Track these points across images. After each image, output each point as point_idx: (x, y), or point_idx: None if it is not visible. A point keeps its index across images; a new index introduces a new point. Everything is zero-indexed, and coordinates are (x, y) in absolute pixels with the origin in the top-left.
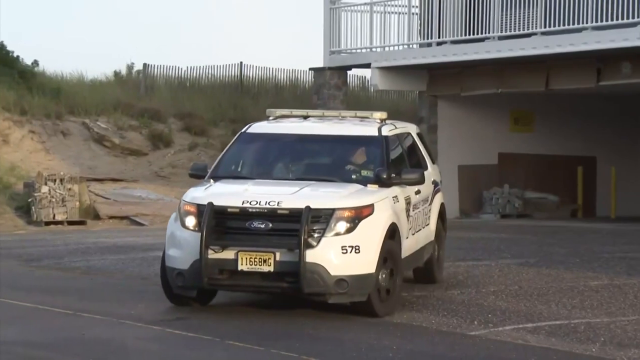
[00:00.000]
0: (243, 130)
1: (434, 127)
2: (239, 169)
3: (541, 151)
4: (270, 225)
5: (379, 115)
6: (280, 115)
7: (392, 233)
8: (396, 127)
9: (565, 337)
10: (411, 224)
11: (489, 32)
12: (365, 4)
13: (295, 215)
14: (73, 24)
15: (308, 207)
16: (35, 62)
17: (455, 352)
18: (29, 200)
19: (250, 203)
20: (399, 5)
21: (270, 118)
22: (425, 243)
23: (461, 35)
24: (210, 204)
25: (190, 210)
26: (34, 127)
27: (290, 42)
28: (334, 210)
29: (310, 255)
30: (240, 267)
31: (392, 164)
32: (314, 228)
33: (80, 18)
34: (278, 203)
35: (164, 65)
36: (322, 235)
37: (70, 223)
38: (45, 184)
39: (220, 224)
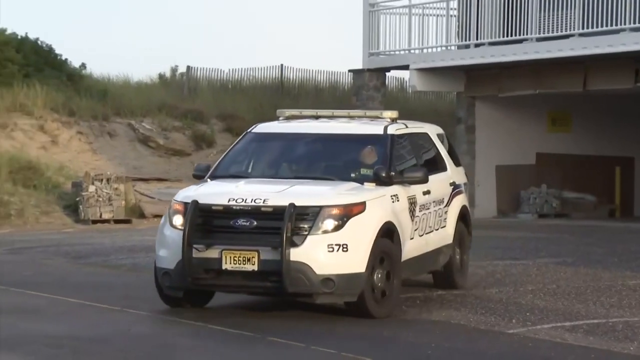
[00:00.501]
0: (248, 130)
1: (472, 128)
2: (238, 169)
3: (578, 151)
4: (255, 223)
5: (390, 114)
6: (290, 116)
7: (389, 232)
8: (407, 127)
9: (603, 336)
10: (418, 224)
11: (526, 34)
12: (404, 6)
13: (279, 213)
14: (120, 28)
15: (292, 205)
16: (83, 65)
17: (494, 349)
18: (77, 199)
19: (236, 201)
20: (438, 8)
21: (281, 118)
22: (440, 245)
23: (499, 37)
24: (195, 202)
25: (178, 209)
26: (82, 128)
27: (330, 45)
28: (320, 207)
29: (295, 254)
30: (224, 266)
31: (397, 163)
32: (300, 226)
33: (127, 22)
34: (264, 201)
35: (206, 68)
36: (308, 234)
37: (116, 221)
38: (93, 183)
39: (207, 223)
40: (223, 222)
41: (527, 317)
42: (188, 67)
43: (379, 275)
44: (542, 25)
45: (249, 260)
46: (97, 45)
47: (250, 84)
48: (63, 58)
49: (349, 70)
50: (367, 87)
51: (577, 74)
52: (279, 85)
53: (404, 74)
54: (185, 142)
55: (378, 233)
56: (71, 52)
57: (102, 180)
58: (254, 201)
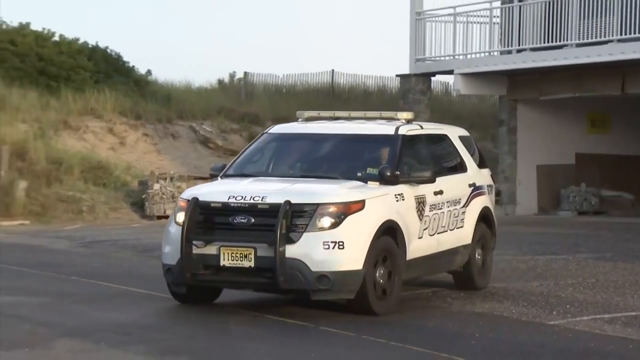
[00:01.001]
0: (265, 131)
1: (514, 130)
2: (250, 168)
3: (617, 152)
4: (252, 220)
5: (405, 115)
6: (309, 117)
7: (390, 231)
8: (422, 128)
9: None
10: (427, 224)
11: (567, 40)
12: (449, 14)
13: (274, 210)
14: (183, 37)
15: (287, 202)
16: (149, 72)
17: (535, 340)
18: (143, 196)
19: (235, 198)
20: (481, 16)
21: (300, 119)
22: (456, 246)
23: (540, 43)
24: (195, 199)
25: (182, 206)
26: (147, 130)
27: (378, 51)
28: (317, 205)
29: (291, 251)
30: (222, 263)
31: (406, 163)
32: (297, 223)
33: (189, 32)
34: (262, 198)
35: (262, 74)
36: (305, 231)
37: None
38: (157, 182)
39: (207, 220)
40: (222, 220)
41: (567, 310)
42: (245, 73)
43: (381, 272)
44: (581, 32)
45: (245, 256)
46: (162, 53)
47: (303, 88)
48: (130, 65)
49: (397, 75)
50: (414, 91)
51: (615, 77)
52: (330, 90)
53: (449, 79)
54: (243, 143)
55: (378, 231)
56: (138, 59)
57: (165, 178)
58: (252, 199)
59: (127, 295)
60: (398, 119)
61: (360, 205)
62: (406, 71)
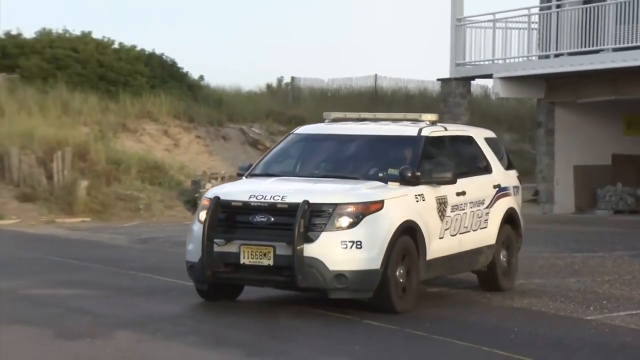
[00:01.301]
0: (292, 132)
1: (552, 131)
2: (275, 167)
3: None
4: (272, 219)
5: (429, 117)
6: (335, 118)
7: (410, 230)
8: (446, 130)
9: None
10: (449, 224)
11: (603, 45)
12: (488, 20)
13: (293, 209)
14: (233, 44)
15: (306, 202)
16: (201, 77)
17: (573, 334)
18: (196, 195)
19: (256, 198)
20: (520, 21)
21: (327, 120)
22: (480, 246)
23: (577, 48)
24: (216, 197)
25: (204, 205)
26: (200, 132)
27: (419, 56)
28: (335, 205)
29: (309, 250)
30: (242, 261)
31: (429, 164)
32: (316, 223)
33: (239, 39)
34: (282, 198)
35: (308, 78)
36: (323, 230)
37: None
38: (209, 181)
39: (229, 218)
40: (242, 218)
41: (604, 305)
42: (292, 77)
43: (401, 272)
44: (618, 37)
45: (265, 255)
46: (214, 59)
47: (347, 92)
48: (184, 71)
49: (437, 79)
50: (454, 94)
51: None
52: (374, 93)
53: (488, 82)
54: None
55: (396, 231)
56: (191, 65)
57: (217, 178)
58: (272, 198)
59: (181, 289)
60: (422, 121)
61: (379, 205)
62: (447, 75)
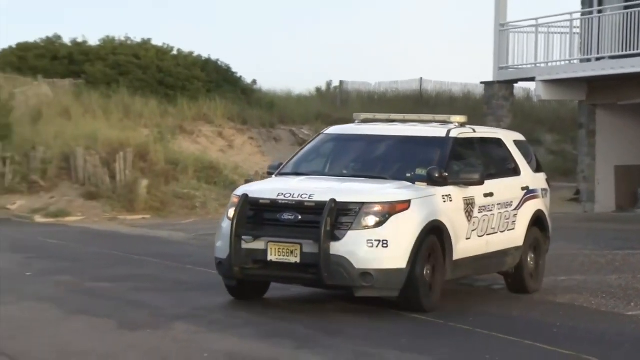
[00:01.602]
0: (322, 132)
1: (593, 132)
2: (304, 166)
3: None
4: (299, 217)
5: (458, 119)
6: (365, 119)
7: (436, 230)
8: (474, 131)
9: None
10: (476, 225)
11: None
12: (531, 26)
13: (320, 208)
14: (284, 49)
15: (332, 200)
16: (254, 81)
17: (614, 329)
18: None
19: (284, 196)
20: (562, 26)
21: (357, 121)
22: (507, 247)
23: (619, 51)
24: (245, 195)
25: (233, 202)
26: (253, 134)
27: (463, 60)
28: (362, 204)
29: (335, 248)
30: (269, 258)
31: (456, 165)
32: (342, 221)
33: (290, 44)
34: (309, 196)
35: (356, 82)
36: (349, 229)
37: None
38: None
39: (257, 216)
40: (270, 216)
41: None
42: (341, 81)
43: (427, 271)
44: None
45: (292, 252)
46: (266, 64)
47: (393, 95)
48: (238, 75)
49: (481, 82)
50: (497, 97)
51: None
52: (419, 96)
53: (530, 85)
54: None
55: (423, 231)
56: (245, 70)
57: None
58: (300, 196)
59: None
60: (451, 122)
61: (405, 205)
62: (490, 78)
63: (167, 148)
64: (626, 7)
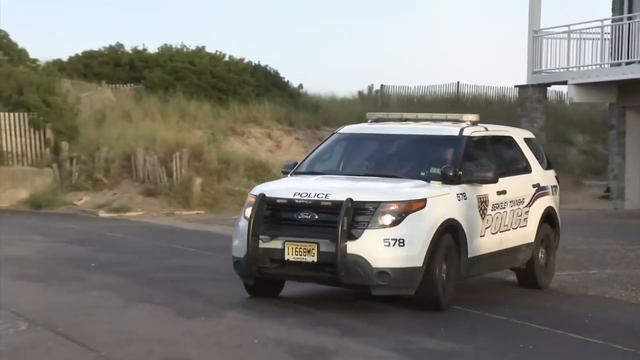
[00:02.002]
0: (336, 131)
1: (623, 133)
2: (319, 166)
3: None
4: (316, 216)
5: (470, 117)
6: (378, 118)
7: (452, 229)
8: (487, 130)
9: None
10: (490, 222)
11: None
12: (563, 32)
13: (337, 207)
14: (328, 55)
15: (349, 200)
16: (300, 85)
17: None
18: None
19: (300, 195)
20: (593, 32)
21: (369, 120)
22: (519, 244)
23: None
24: (262, 195)
25: (250, 202)
26: (299, 135)
27: (498, 64)
28: (379, 203)
29: (352, 247)
30: (287, 257)
31: (470, 164)
32: (359, 220)
33: (334, 50)
34: (325, 196)
35: (396, 86)
36: (366, 228)
37: None
38: None
39: (274, 215)
40: (287, 215)
41: None
42: (381, 85)
43: (443, 270)
44: None
45: (309, 251)
46: (312, 69)
47: (431, 98)
48: (285, 80)
49: (515, 86)
50: (531, 99)
51: None
52: (456, 99)
53: (563, 88)
54: None
55: (439, 229)
56: (292, 75)
57: None
58: (316, 196)
59: None
60: (463, 121)
61: (421, 203)
62: (524, 82)
63: (220, 148)
64: None
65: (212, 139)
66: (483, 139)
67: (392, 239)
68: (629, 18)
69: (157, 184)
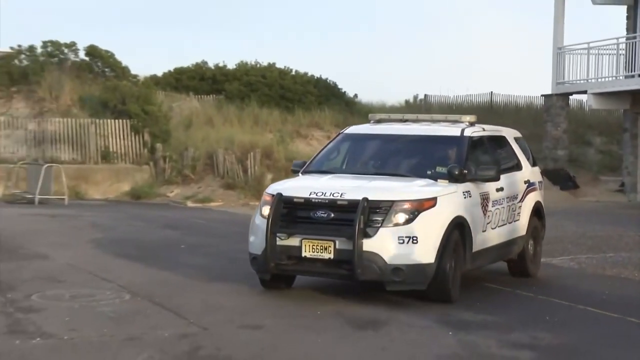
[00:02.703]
0: (342, 131)
1: (635, 135)
2: (328, 165)
3: None
4: (332, 215)
5: (469, 118)
6: (380, 119)
7: (459, 226)
8: (484, 130)
9: None
10: (490, 218)
11: None
12: (583, 48)
13: (353, 206)
14: (380, 67)
15: (365, 199)
16: (355, 95)
17: None
18: None
19: (316, 194)
20: (609, 49)
21: (372, 121)
22: (514, 237)
23: None
24: (279, 194)
25: (267, 200)
26: None
27: (527, 76)
28: (392, 202)
29: (368, 244)
30: (304, 254)
31: (472, 163)
32: (374, 219)
33: (384, 63)
34: (341, 195)
35: (438, 95)
36: (381, 226)
37: None
38: None
39: (291, 213)
40: (304, 214)
41: None
42: (425, 95)
43: (453, 264)
44: None
45: (325, 249)
46: (367, 80)
47: (468, 106)
48: (342, 91)
49: (542, 95)
50: (555, 107)
51: None
52: (489, 107)
53: (583, 97)
54: None
55: (449, 226)
56: (348, 85)
57: None
58: (332, 195)
59: None
60: (462, 122)
61: (432, 202)
62: (549, 92)
63: (287, 149)
64: None
65: (280, 140)
66: (481, 139)
67: (405, 237)
68: None
69: (234, 179)
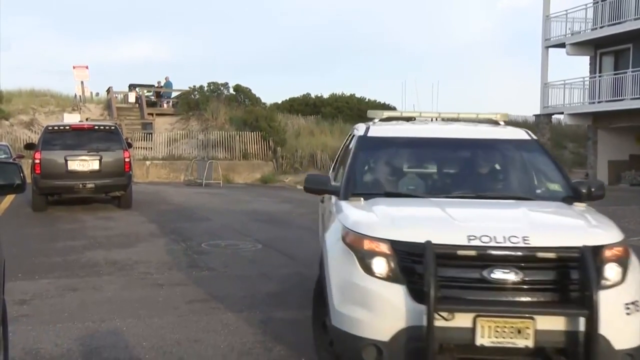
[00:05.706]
0: (361, 134)
1: (595, 142)
2: (383, 185)
3: None
4: (521, 275)
5: (500, 116)
6: (387, 118)
7: None
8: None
9: None
10: None
11: (625, 95)
12: (561, 83)
13: (567, 259)
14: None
15: (588, 248)
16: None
17: None
18: None
19: (489, 240)
20: (578, 84)
21: (376, 120)
22: None
23: (611, 97)
24: (429, 242)
25: (376, 250)
26: None
27: (521, 101)
28: (601, 247)
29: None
30: (479, 341)
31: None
32: (572, 277)
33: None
34: (524, 239)
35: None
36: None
37: None
38: None
39: (443, 274)
40: (471, 274)
41: None
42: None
43: None
44: (634, 91)
45: (519, 332)
46: (392, 93)
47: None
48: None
49: (533, 115)
50: (542, 123)
51: None
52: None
53: (560, 116)
54: None
55: None
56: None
57: None
58: (509, 240)
59: None
60: (496, 121)
61: (625, 242)
62: (538, 112)
63: None
64: (615, 73)
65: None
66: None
67: (631, 303)
68: (600, 76)
69: (327, 171)
